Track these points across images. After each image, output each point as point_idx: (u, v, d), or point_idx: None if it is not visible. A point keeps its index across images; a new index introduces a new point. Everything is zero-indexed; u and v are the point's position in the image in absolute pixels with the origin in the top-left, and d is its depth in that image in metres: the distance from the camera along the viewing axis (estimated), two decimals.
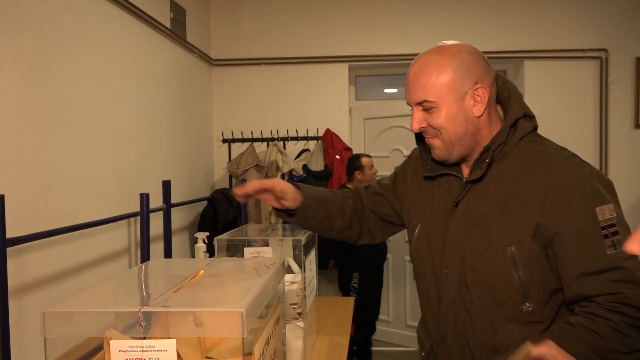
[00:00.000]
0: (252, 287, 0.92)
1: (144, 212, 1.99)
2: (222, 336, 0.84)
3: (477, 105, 1.17)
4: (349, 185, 3.49)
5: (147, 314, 0.78)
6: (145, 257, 1.96)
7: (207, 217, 3.52)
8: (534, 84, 4.00)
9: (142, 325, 0.77)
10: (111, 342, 0.77)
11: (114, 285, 1.07)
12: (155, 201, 2.71)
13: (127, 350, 0.77)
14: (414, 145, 1.40)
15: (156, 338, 0.77)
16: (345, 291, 3.65)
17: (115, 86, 2.44)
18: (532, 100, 3.98)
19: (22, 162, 1.74)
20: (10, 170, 1.69)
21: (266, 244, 1.99)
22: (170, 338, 0.77)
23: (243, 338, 0.76)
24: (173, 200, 2.82)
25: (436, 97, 1.15)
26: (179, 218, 3.29)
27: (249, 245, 2.06)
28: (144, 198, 2.01)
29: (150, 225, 2.73)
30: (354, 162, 3.55)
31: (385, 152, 4.15)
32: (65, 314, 0.79)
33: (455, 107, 1.16)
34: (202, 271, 1.07)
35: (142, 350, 0.76)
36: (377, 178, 1.90)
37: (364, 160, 3.52)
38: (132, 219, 2.52)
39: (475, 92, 1.16)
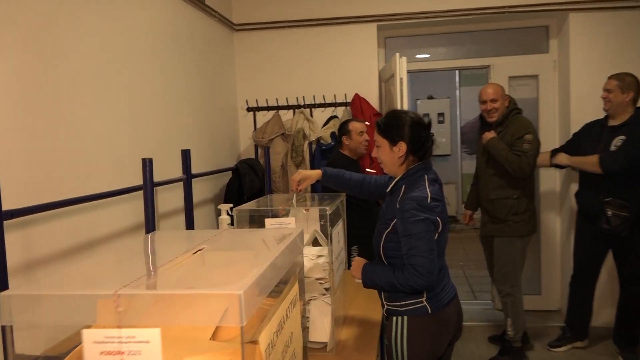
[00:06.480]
0: (259, 263, 0.77)
1: (147, 178, 1.80)
2: (215, 324, 0.69)
3: None
4: (342, 151, 3.22)
5: (127, 298, 0.64)
6: (150, 229, 1.81)
7: (232, 188, 3.39)
8: (579, 38, 3.68)
9: (120, 312, 0.63)
10: (84, 331, 0.63)
11: (103, 263, 0.93)
12: (177, 171, 2.59)
13: (103, 342, 0.63)
14: None
15: (137, 327, 0.63)
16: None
17: (129, 52, 2.30)
18: (578, 55, 3.68)
19: (34, 132, 1.62)
20: (19, 141, 1.57)
21: (288, 215, 1.85)
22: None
23: (242, 327, 0.61)
24: (196, 171, 2.70)
25: None
26: (204, 189, 3.18)
27: (272, 216, 1.93)
28: (147, 163, 1.82)
29: (171, 197, 2.63)
30: (341, 127, 3.25)
31: None
32: (30, 297, 0.65)
33: None
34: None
35: (120, 342, 0.62)
36: None
37: (352, 125, 3.18)
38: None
39: None
